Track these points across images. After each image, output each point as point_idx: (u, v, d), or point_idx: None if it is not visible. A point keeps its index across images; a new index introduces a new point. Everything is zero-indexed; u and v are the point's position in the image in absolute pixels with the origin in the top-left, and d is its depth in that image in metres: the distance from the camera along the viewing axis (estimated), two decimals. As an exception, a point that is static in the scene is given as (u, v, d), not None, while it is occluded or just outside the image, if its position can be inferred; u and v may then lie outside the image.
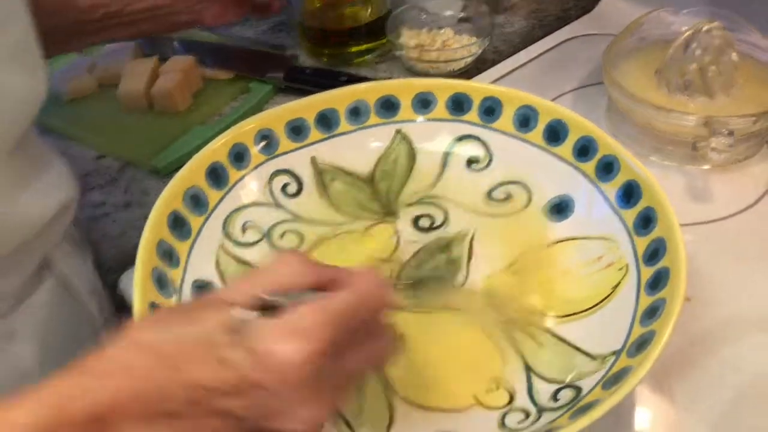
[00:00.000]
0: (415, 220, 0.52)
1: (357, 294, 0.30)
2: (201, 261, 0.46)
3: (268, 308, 0.28)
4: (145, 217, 0.44)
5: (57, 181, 0.47)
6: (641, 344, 0.37)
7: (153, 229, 0.44)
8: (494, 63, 0.71)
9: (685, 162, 0.57)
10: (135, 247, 0.43)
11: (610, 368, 0.38)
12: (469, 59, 0.70)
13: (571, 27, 0.75)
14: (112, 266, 0.55)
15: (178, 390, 0.26)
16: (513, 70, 0.70)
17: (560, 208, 0.49)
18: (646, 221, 0.44)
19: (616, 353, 0.39)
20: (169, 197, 0.46)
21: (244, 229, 0.50)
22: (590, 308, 0.43)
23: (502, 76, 0.69)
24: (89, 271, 0.53)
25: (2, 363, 0.46)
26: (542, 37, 0.73)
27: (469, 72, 0.70)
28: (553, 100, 0.66)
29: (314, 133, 0.54)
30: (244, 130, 0.52)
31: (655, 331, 0.37)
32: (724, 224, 0.52)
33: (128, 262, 0.51)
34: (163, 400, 0.26)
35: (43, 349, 0.47)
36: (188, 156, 0.50)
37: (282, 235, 0.50)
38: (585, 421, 0.33)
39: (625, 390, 0.34)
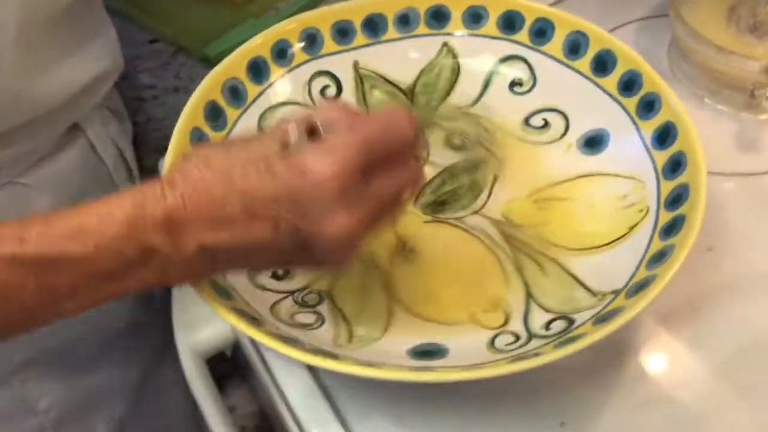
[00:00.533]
0: (448, 138, 0.51)
1: (384, 121, 0.34)
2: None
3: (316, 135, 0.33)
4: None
5: (102, 50, 0.49)
6: (641, 287, 0.37)
7: (188, 116, 0.46)
8: (562, -18, 0.68)
9: (741, 109, 0.54)
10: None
11: (606, 306, 0.38)
12: (536, -25, 0.67)
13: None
14: (155, 147, 0.57)
15: (234, 198, 0.31)
16: (580, -8, 0.67)
17: (595, 142, 0.48)
18: (675, 165, 0.43)
19: (616, 292, 0.39)
20: (207, 87, 0.48)
21: (278, 126, 0.51)
22: (603, 245, 0.43)
23: (568, -3, 0.66)
24: (124, 143, 0.56)
25: (23, 213, 0.49)
26: (617, -41, 0.69)
27: (534, -11, 0.67)
28: (616, 28, 0.63)
29: (360, 38, 0.54)
30: (289, 28, 0.52)
31: (656, 276, 0.37)
32: (766, 178, 0.50)
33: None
34: (222, 206, 0.31)
35: (62, 206, 0.51)
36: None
37: (315, 137, 0.51)
38: (565, 351, 0.34)
39: (611, 328, 0.34)
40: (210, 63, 0.62)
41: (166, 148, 0.55)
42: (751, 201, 0.49)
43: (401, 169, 0.34)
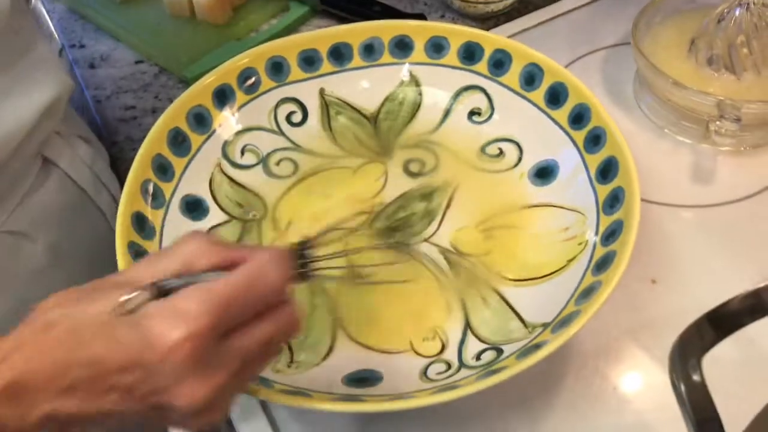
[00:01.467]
0: (406, 164, 0.53)
1: (245, 276, 0.30)
2: (195, 178, 0.50)
3: (167, 291, 0.30)
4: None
5: (45, 78, 0.49)
6: (566, 322, 0.38)
7: (151, 143, 0.48)
8: (537, 7, 0.69)
9: (699, 140, 0.55)
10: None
11: (533, 339, 0.39)
12: (509, 0, 0.68)
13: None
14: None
15: (78, 366, 0.29)
16: (554, 18, 0.68)
17: (545, 173, 0.50)
18: (614, 200, 0.44)
19: (545, 326, 0.40)
20: (172, 114, 0.50)
21: (243, 151, 0.53)
22: (542, 277, 0.44)
23: (541, 23, 0.67)
24: (100, 166, 0.57)
25: (15, 263, 0.49)
26: (593, -15, 0.70)
27: (509, 14, 0.69)
28: (585, 55, 0.64)
29: (326, 66, 0.55)
30: (256, 56, 0.54)
31: (580, 312, 0.38)
32: (718, 210, 0.51)
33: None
34: (65, 375, 0.29)
35: (54, 247, 0.52)
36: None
37: (278, 162, 0.53)
38: (484, 384, 0.35)
39: (529, 363, 0.35)
40: (188, 85, 0.65)
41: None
42: (702, 233, 0.50)
43: (269, 320, 0.32)
